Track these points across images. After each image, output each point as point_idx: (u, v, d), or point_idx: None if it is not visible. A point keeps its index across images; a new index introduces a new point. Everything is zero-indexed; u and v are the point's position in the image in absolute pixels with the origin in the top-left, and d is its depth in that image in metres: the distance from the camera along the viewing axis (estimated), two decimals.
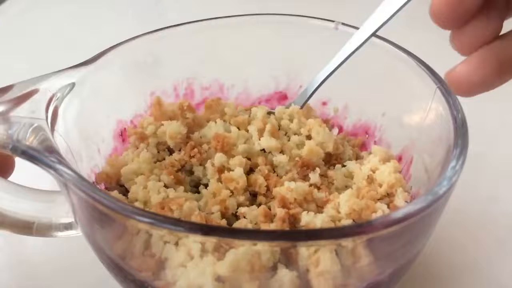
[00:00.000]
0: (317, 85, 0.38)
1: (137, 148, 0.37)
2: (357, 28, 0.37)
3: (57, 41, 0.70)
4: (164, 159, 0.37)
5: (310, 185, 0.34)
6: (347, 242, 0.25)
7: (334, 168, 0.37)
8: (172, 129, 0.36)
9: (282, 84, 0.44)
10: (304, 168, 0.35)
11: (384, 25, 0.33)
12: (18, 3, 0.81)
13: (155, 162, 0.36)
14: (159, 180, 0.34)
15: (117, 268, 0.29)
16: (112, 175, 0.35)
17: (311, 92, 0.38)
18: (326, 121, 0.41)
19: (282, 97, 0.44)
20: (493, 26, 0.28)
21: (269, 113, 0.40)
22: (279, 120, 0.39)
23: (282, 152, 0.37)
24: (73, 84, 0.33)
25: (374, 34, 0.34)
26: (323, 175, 0.36)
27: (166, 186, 0.34)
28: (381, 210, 0.32)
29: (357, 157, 0.39)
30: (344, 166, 0.38)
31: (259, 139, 0.37)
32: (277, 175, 0.36)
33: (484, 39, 0.28)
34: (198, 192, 0.35)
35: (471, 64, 0.28)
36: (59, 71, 0.33)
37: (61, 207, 0.33)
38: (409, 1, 0.31)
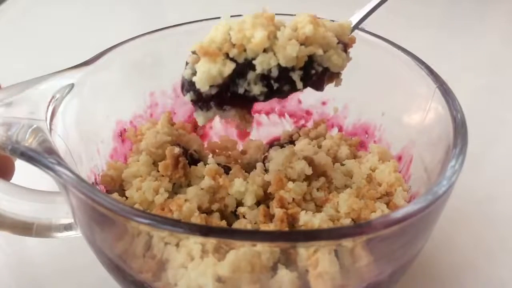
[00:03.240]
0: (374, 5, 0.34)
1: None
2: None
3: (57, 41, 0.70)
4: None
5: (309, 184, 0.34)
6: (347, 243, 0.25)
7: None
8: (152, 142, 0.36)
9: None
10: None
11: None
12: (18, 3, 0.81)
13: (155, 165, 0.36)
14: (156, 180, 0.34)
15: (117, 269, 0.29)
16: (117, 178, 0.35)
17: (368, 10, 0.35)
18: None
19: None
20: None
21: None
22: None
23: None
24: (72, 85, 0.33)
25: None
26: (323, 175, 0.36)
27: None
28: (380, 209, 0.32)
29: (355, 157, 0.39)
30: (343, 165, 0.38)
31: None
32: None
33: None
34: None
35: None
36: (59, 71, 0.33)
37: (60, 208, 0.33)
38: None
